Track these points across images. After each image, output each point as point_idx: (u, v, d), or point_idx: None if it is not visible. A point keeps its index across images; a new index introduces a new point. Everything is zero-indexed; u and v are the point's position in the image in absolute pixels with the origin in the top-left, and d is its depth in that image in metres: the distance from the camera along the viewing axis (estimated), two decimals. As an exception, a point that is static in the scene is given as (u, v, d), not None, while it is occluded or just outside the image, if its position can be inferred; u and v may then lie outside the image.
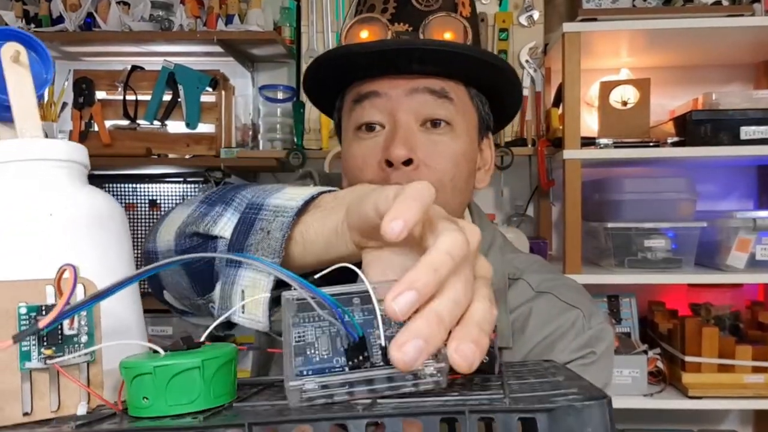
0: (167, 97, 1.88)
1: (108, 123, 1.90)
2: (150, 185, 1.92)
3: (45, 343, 0.36)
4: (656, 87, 1.81)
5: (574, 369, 0.57)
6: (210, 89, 1.89)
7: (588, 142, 1.69)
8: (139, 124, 1.91)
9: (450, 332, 0.33)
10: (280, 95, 1.96)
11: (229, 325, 0.53)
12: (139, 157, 1.85)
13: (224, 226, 0.50)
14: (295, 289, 0.34)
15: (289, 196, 0.48)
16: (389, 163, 0.71)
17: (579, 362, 0.75)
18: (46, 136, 0.45)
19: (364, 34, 0.77)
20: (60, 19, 1.87)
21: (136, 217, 1.90)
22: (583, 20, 1.67)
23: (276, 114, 1.96)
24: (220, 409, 0.34)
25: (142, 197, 1.92)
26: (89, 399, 0.37)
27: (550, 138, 1.85)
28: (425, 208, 0.34)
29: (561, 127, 1.74)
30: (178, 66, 1.87)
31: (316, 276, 0.36)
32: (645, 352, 1.72)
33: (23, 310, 0.36)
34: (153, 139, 1.89)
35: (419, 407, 0.30)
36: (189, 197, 1.91)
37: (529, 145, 1.89)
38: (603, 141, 1.69)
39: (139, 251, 0.63)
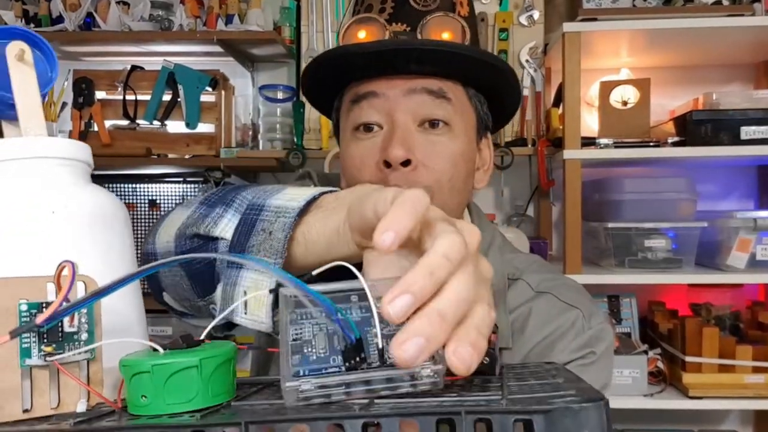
0: (167, 97, 1.88)
1: (108, 123, 1.90)
2: (150, 185, 1.92)
3: (45, 340, 0.36)
4: (656, 87, 1.81)
5: (573, 369, 0.57)
6: (210, 89, 1.89)
7: (588, 142, 1.69)
8: (138, 124, 1.91)
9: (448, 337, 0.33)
10: (280, 95, 1.96)
11: (228, 326, 0.53)
12: (139, 157, 1.85)
13: (225, 227, 0.50)
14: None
15: (290, 196, 0.48)
16: (387, 164, 0.70)
17: (579, 362, 0.74)
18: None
19: (362, 35, 0.77)
20: (60, 19, 1.87)
21: (135, 217, 1.90)
22: (583, 20, 1.67)
23: (276, 114, 1.96)
24: (218, 408, 0.34)
25: (142, 197, 1.92)
26: (89, 396, 0.37)
27: (551, 138, 1.85)
28: (418, 217, 0.34)
29: (561, 127, 1.74)
30: (178, 66, 1.87)
31: (314, 272, 0.36)
32: (645, 352, 1.72)
33: (24, 307, 0.36)
34: (153, 139, 1.89)
35: (416, 408, 0.30)
36: (189, 197, 1.92)
37: (529, 145, 1.89)
38: (603, 141, 1.69)
39: (139, 251, 0.63)
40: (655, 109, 1.83)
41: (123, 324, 0.42)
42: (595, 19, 1.67)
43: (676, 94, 1.97)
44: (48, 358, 0.36)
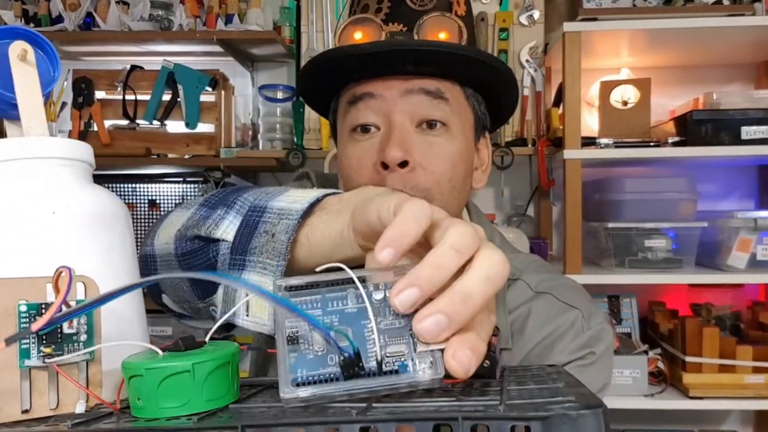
0: (167, 97, 1.88)
1: (107, 123, 1.90)
2: (149, 185, 1.92)
3: (44, 342, 0.36)
4: (657, 87, 1.81)
5: (573, 369, 0.56)
6: (209, 89, 1.89)
7: (588, 141, 1.69)
8: (138, 124, 1.91)
9: (449, 337, 0.33)
10: (279, 95, 1.96)
11: (228, 326, 0.53)
12: (139, 157, 1.85)
13: (226, 229, 0.50)
14: (288, 276, 0.34)
15: (293, 198, 0.47)
16: (384, 165, 0.70)
17: (578, 363, 0.74)
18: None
19: (358, 35, 0.76)
20: (59, 19, 1.87)
21: (135, 217, 1.90)
22: (583, 20, 1.67)
23: (276, 114, 1.96)
24: (216, 411, 0.34)
25: (142, 197, 1.92)
26: (88, 398, 0.37)
27: (551, 138, 1.85)
28: (420, 231, 0.35)
29: (561, 127, 1.74)
30: (178, 66, 1.87)
31: (317, 270, 0.35)
32: (645, 352, 1.71)
33: (23, 308, 0.36)
34: (152, 138, 1.89)
35: (413, 412, 0.30)
36: (189, 197, 1.92)
37: (530, 145, 1.89)
38: (603, 141, 1.69)
39: (138, 253, 0.63)
40: (656, 109, 1.83)
41: (123, 325, 0.42)
42: (595, 19, 1.66)
43: (677, 93, 1.97)
44: (47, 360, 0.36)
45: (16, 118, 0.44)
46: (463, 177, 0.76)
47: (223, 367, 0.35)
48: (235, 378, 0.36)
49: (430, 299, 0.33)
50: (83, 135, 1.87)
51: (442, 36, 0.75)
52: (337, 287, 0.34)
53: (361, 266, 0.39)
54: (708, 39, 1.74)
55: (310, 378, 0.33)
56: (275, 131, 1.95)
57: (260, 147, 1.97)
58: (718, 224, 1.70)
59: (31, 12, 1.92)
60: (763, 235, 1.64)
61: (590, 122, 1.98)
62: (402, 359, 0.33)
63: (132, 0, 1.92)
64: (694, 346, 1.67)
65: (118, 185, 1.92)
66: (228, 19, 1.86)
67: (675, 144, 1.68)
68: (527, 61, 1.91)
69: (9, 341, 0.31)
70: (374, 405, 0.32)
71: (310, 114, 1.92)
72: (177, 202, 1.95)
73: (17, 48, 0.43)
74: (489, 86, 0.78)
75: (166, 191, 1.93)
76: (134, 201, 1.92)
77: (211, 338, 0.38)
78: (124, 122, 1.91)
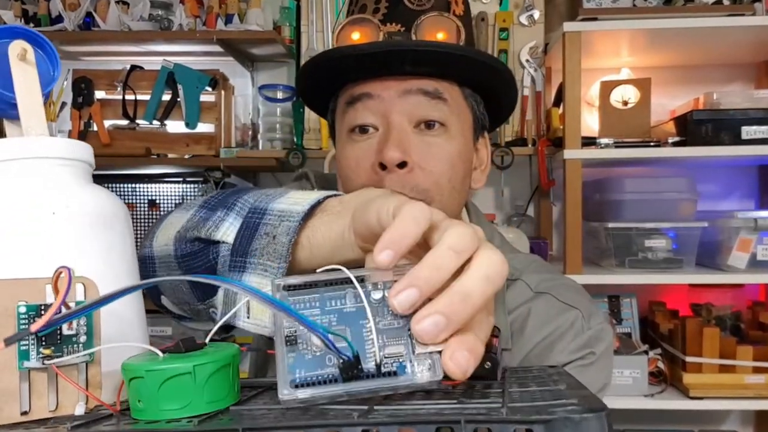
0: (166, 97, 1.88)
1: (107, 123, 1.90)
2: (149, 185, 1.92)
3: (44, 343, 0.36)
4: (657, 87, 1.81)
5: (573, 370, 0.56)
6: (209, 89, 1.89)
7: (588, 141, 1.69)
8: (138, 124, 1.91)
9: (448, 338, 0.33)
10: (279, 95, 1.96)
11: (226, 328, 0.53)
12: (139, 156, 1.85)
13: (227, 231, 0.49)
14: (287, 275, 0.34)
15: (294, 200, 0.47)
16: (383, 166, 0.69)
17: (578, 363, 0.74)
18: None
19: (356, 36, 0.76)
20: (59, 19, 1.87)
21: (135, 217, 1.90)
22: (583, 20, 1.66)
23: (276, 114, 1.96)
24: (216, 413, 0.34)
25: (142, 197, 1.92)
26: (87, 399, 0.37)
27: (551, 138, 1.85)
28: (419, 233, 0.35)
29: (561, 127, 1.74)
30: (178, 65, 1.87)
31: (317, 271, 0.35)
32: (646, 352, 1.71)
33: (22, 309, 0.36)
34: (152, 138, 1.89)
35: (415, 415, 0.30)
36: (189, 197, 1.92)
37: (530, 145, 1.89)
38: (604, 141, 1.69)
39: (138, 253, 0.63)
40: (656, 109, 1.83)
41: (123, 326, 0.42)
42: (595, 19, 1.66)
43: (677, 93, 1.97)
44: (46, 361, 0.35)
45: (15, 117, 0.44)
46: (462, 177, 0.75)
47: (224, 369, 0.35)
48: (236, 380, 0.36)
49: (429, 299, 0.33)
50: (83, 135, 1.87)
51: (440, 36, 0.75)
52: (335, 287, 0.34)
53: (362, 267, 0.39)
54: (708, 39, 1.74)
55: (309, 379, 0.33)
56: (275, 131, 1.95)
57: (260, 147, 1.96)
58: (718, 224, 1.70)
59: (30, 12, 1.92)
60: (763, 235, 1.63)
61: (590, 122, 1.98)
62: (400, 360, 0.33)
63: (132, 0, 1.92)
64: (695, 346, 1.67)
65: (118, 185, 1.91)
66: (228, 19, 1.86)
67: (675, 144, 1.68)
68: (527, 61, 1.91)
69: (8, 342, 0.31)
70: (375, 407, 0.31)
71: (310, 114, 1.92)
72: (177, 202, 1.95)
73: (17, 47, 0.43)
74: (488, 86, 0.78)
75: (166, 191, 1.93)
76: (134, 201, 1.92)
77: (211, 339, 0.37)
78: (124, 122, 1.91)
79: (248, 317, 0.46)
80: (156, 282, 0.35)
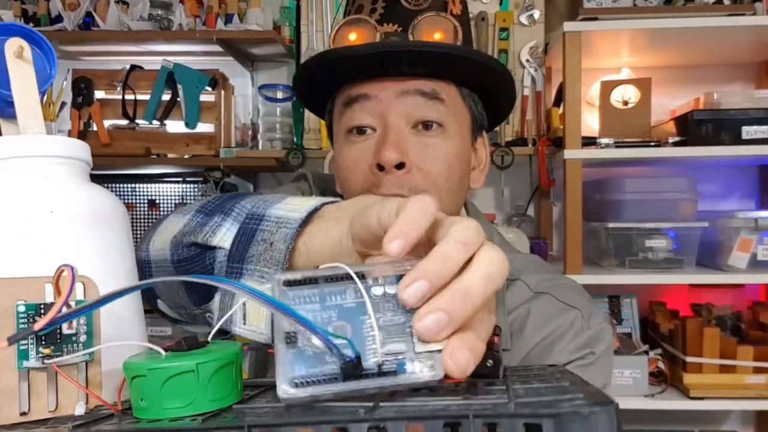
0: (166, 97, 1.88)
1: (107, 123, 1.90)
2: (149, 185, 1.92)
3: (43, 342, 0.35)
4: (657, 86, 1.80)
5: (573, 370, 0.56)
6: (209, 89, 1.89)
7: (589, 141, 1.69)
8: (138, 124, 1.90)
9: (449, 336, 0.32)
10: (279, 95, 1.96)
11: (223, 332, 0.53)
12: (138, 156, 1.84)
13: (223, 236, 0.49)
14: (287, 270, 0.34)
15: (291, 207, 0.47)
16: (380, 167, 0.69)
17: (578, 363, 0.74)
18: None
19: (353, 36, 0.76)
20: (59, 19, 1.87)
21: (135, 217, 1.90)
22: (583, 19, 1.66)
23: (275, 113, 1.95)
24: (220, 411, 0.34)
25: (142, 197, 1.92)
26: (87, 399, 0.37)
27: (551, 138, 1.85)
28: (427, 223, 0.34)
29: (562, 127, 1.74)
30: (178, 65, 1.87)
31: (319, 268, 0.35)
32: (646, 352, 1.71)
33: (21, 309, 0.35)
34: (152, 138, 1.88)
35: (422, 411, 0.29)
36: (188, 197, 1.92)
37: (530, 145, 1.89)
38: (604, 141, 1.69)
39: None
40: (656, 109, 1.82)
41: (122, 326, 0.42)
42: (595, 19, 1.66)
43: (677, 93, 1.97)
44: (46, 361, 0.35)
45: (11, 116, 0.44)
46: (460, 177, 0.75)
47: (227, 367, 0.34)
48: (239, 378, 0.36)
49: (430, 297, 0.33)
50: (83, 135, 1.86)
51: (437, 36, 0.75)
52: (336, 282, 0.34)
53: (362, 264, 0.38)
54: (708, 39, 1.74)
55: (309, 377, 0.32)
56: (275, 131, 1.95)
57: (260, 147, 1.96)
58: (718, 224, 1.69)
59: (30, 12, 1.92)
60: (763, 235, 1.63)
61: (590, 122, 1.98)
62: (401, 358, 0.33)
63: (131, 0, 1.92)
64: (695, 346, 1.67)
65: (117, 185, 1.91)
66: (228, 19, 1.86)
67: (675, 144, 1.68)
68: (527, 60, 1.91)
69: (11, 340, 0.30)
70: (381, 404, 0.31)
71: (309, 114, 1.91)
72: (177, 202, 1.95)
73: (13, 45, 0.43)
74: (486, 86, 0.77)
75: (165, 191, 1.93)
76: (134, 201, 1.91)
77: (213, 337, 0.37)
78: (124, 122, 1.90)
79: (244, 323, 0.46)
80: (158, 282, 0.35)
